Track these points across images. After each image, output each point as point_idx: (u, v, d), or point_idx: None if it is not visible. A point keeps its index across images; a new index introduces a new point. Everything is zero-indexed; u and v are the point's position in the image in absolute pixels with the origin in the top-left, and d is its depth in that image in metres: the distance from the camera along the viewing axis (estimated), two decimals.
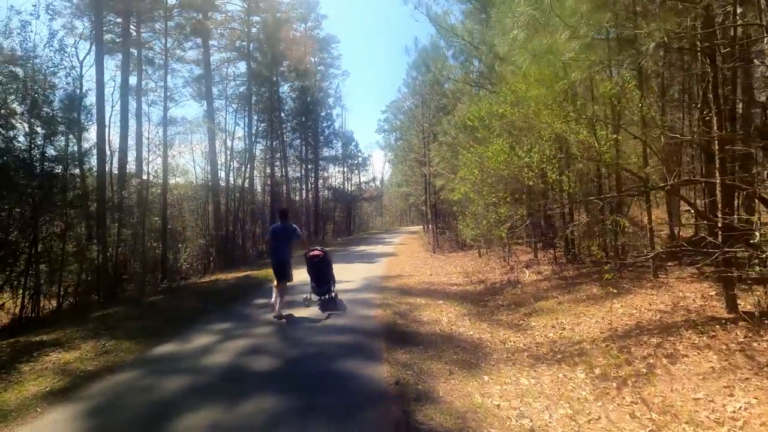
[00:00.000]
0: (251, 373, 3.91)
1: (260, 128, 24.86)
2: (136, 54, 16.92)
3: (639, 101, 4.45)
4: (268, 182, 23.10)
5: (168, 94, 17.35)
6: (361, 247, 20.62)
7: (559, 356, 4.08)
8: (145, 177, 16.30)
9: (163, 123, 15.77)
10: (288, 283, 6.46)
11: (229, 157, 23.57)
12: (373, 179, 51.19)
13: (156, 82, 19.60)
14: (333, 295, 6.98)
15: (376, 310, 6.30)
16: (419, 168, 20.76)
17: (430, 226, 21.74)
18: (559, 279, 7.25)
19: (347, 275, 10.54)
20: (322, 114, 32.93)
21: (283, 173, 29.09)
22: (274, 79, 24.78)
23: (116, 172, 14.76)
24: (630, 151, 5.68)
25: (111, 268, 12.00)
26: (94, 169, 12.67)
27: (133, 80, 16.67)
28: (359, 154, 43.13)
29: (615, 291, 4.38)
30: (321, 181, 35.63)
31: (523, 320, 5.45)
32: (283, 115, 27.08)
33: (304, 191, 33.78)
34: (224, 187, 22.53)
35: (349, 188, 41.73)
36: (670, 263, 6.58)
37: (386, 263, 13.27)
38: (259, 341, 4.95)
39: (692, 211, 10.84)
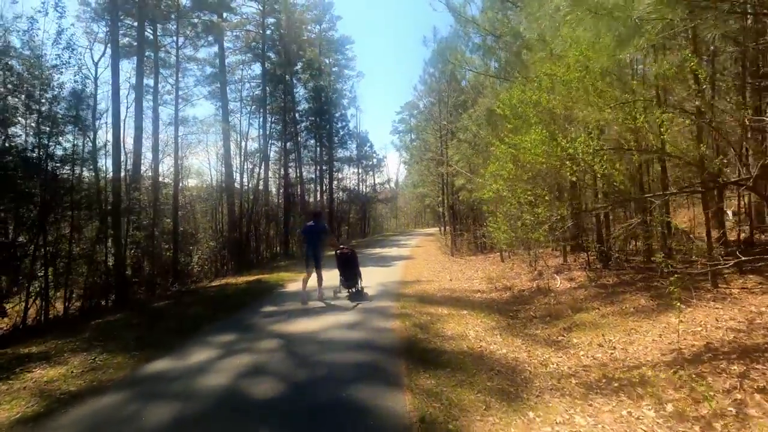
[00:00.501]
0: (250, 400, 3.35)
1: (275, 129, 24.60)
2: (152, 57, 16.82)
3: (705, 80, 3.75)
4: (282, 183, 22.73)
5: (180, 93, 17.11)
6: (377, 250, 20.05)
7: (616, 385, 3.39)
8: (160, 179, 16.19)
9: (174, 123, 15.50)
10: (319, 276, 7.55)
11: (243, 159, 23.40)
12: (388, 180, 50.69)
13: (172, 85, 19.54)
14: (360, 288, 7.93)
15: (393, 322, 5.69)
16: (435, 168, 20.09)
17: (447, 228, 21.04)
18: (596, 287, 6.50)
19: (363, 280, 9.98)
20: (337, 115, 32.55)
21: (298, 174, 28.80)
22: (288, 78, 24.47)
23: (130, 173, 14.60)
24: (685, 140, 4.94)
25: (122, 272, 11.75)
26: (107, 170, 12.49)
27: (148, 84, 16.56)
28: (374, 155, 42.64)
29: (680, 304, 3.66)
30: (335, 182, 35.28)
31: (563, 336, 4.75)
32: (297, 116, 26.79)
33: (318, 192, 33.46)
34: (238, 189, 22.32)
35: (364, 189, 41.26)
36: (727, 271, 5.79)
37: (403, 267, 12.65)
38: (263, 358, 4.40)
39: (729, 212, 9.90)
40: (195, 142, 28.24)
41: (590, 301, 5.89)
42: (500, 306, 6.68)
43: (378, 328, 5.45)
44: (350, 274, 7.76)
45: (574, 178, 4.24)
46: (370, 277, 10.40)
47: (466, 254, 16.04)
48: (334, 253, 8.10)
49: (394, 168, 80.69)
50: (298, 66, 26.98)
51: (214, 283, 12.63)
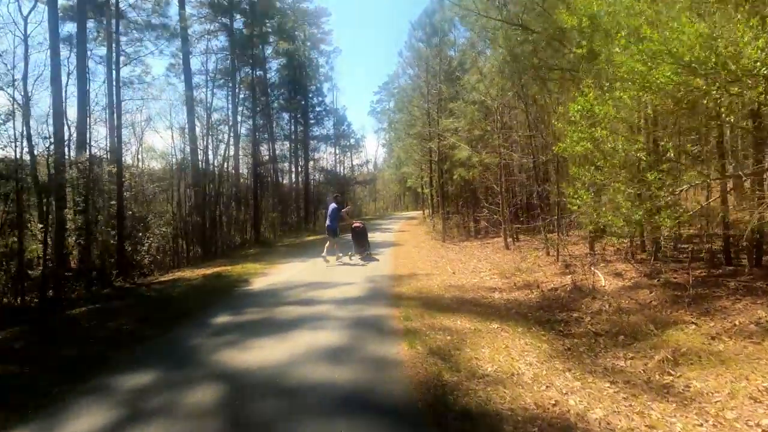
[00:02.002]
0: None
1: (244, 106, 21.98)
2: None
3: None
4: (252, 162, 20.33)
5: (122, 49, 14.42)
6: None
7: None
8: (103, 153, 13.69)
9: (114, 81, 12.87)
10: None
11: (207, 134, 20.77)
12: (366, 162, 48.55)
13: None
14: (368, 253, 10.10)
15: (397, 346, 3.89)
16: (420, 145, 18.16)
17: (433, 210, 19.36)
18: (664, 287, 4.88)
19: (344, 275, 8.14)
20: (312, 88, 29.99)
21: (270, 153, 26.37)
22: (258, 43, 21.82)
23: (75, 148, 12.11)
24: None
25: (47, 264, 9.49)
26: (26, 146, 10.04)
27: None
28: (352, 134, 40.33)
29: None
30: (311, 163, 32.92)
31: (670, 375, 3.06)
32: (269, 89, 24.18)
33: (293, 174, 31.07)
34: (203, 168, 19.80)
35: (342, 171, 39.04)
36: None
37: (391, 256, 10.86)
38: (187, 429, 2.52)
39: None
40: (156, 117, 25.19)
41: (670, 310, 4.25)
42: (534, 313, 4.98)
43: (375, 359, 3.63)
44: (362, 242, 10.02)
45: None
46: (355, 271, 8.57)
47: (459, 240, 14.40)
48: (349, 226, 10.07)
49: (372, 151, 78.25)
50: (268, 26, 24.21)
51: (164, 278, 10.49)
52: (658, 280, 5.05)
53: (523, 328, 4.31)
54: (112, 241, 12.27)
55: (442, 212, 14.02)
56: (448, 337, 4.09)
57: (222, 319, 5.34)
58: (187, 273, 10.46)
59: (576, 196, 3.39)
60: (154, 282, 9.87)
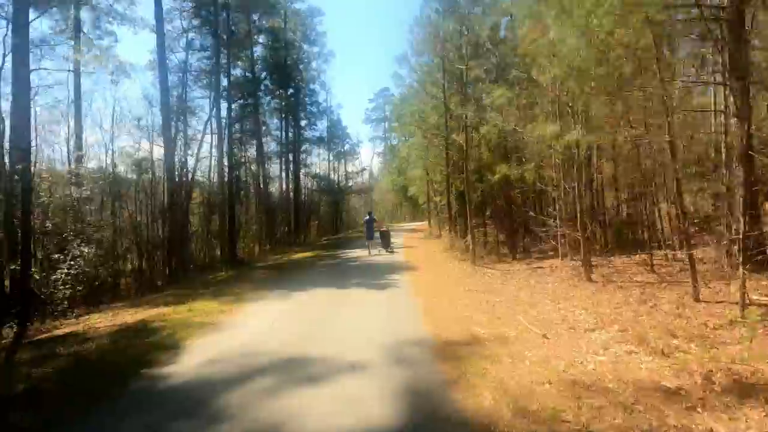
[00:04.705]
0: None
1: (223, 94, 18.51)
2: None
3: None
4: (227, 164, 16.74)
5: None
6: (355, 253, 14.68)
7: None
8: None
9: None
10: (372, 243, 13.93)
11: (180, 132, 17.21)
12: (362, 170, 45.10)
13: None
14: (391, 249, 14.00)
15: None
16: (435, 141, 14.77)
17: (452, 223, 15.97)
18: None
19: (340, 336, 4.65)
20: (303, 85, 26.69)
21: (256, 155, 22.94)
22: (248, 30, 18.51)
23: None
24: None
25: None
26: None
27: None
28: (347, 139, 37.00)
29: None
30: (304, 169, 29.46)
31: None
32: (254, 74, 20.83)
33: (284, 180, 27.46)
34: (178, 172, 16.19)
35: (337, 179, 35.55)
36: None
37: (411, 291, 7.44)
38: None
39: None
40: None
41: None
42: None
43: None
44: (387, 242, 14.18)
45: None
46: (357, 326, 5.03)
47: (491, 261, 10.99)
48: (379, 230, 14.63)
49: (367, 160, 74.98)
50: (255, 18, 21.04)
51: (64, 328, 6.85)
52: None
53: None
54: (14, 266, 8.65)
55: (470, 225, 10.66)
56: None
57: None
58: (102, 320, 6.85)
59: None
60: (43, 339, 6.25)
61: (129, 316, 6.82)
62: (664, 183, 8.42)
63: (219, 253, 17.27)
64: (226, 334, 5.23)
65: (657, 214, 8.57)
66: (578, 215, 6.84)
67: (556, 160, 7.41)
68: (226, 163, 16.14)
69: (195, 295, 8.26)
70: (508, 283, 7.79)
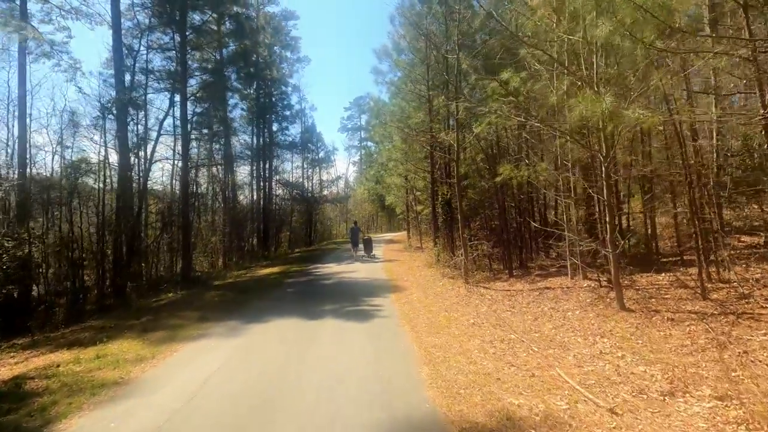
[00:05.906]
0: None
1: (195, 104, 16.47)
2: None
3: None
4: (181, 167, 14.69)
5: None
6: (330, 268, 12.97)
7: None
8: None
9: None
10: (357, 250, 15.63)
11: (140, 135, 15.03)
12: (337, 179, 43.34)
13: None
14: (373, 255, 15.44)
15: None
16: (417, 144, 13.34)
17: (435, 235, 14.52)
18: None
19: (305, 407, 2.98)
20: (274, 87, 24.96)
21: (224, 165, 20.90)
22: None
23: None
24: None
25: None
26: None
27: None
28: (321, 147, 35.29)
29: None
30: (276, 176, 27.50)
31: None
32: (223, 79, 18.90)
33: (254, 190, 25.36)
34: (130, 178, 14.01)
35: (311, 187, 33.66)
36: None
37: (401, 323, 5.86)
38: None
39: None
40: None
41: None
42: None
43: None
44: (369, 248, 15.44)
45: None
46: (331, 392, 3.38)
47: (485, 279, 9.54)
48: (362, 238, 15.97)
49: (342, 169, 73.27)
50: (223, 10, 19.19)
51: None
52: None
53: None
54: None
55: (463, 238, 9.22)
56: None
57: None
58: None
59: None
60: None
61: (8, 367, 4.90)
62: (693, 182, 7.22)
63: (178, 269, 15.11)
64: (129, 405, 3.49)
65: (695, 220, 7.35)
66: (607, 225, 5.48)
67: (579, 155, 6.09)
68: (180, 166, 14.14)
69: (119, 329, 6.38)
70: (517, 311, 6.33)
